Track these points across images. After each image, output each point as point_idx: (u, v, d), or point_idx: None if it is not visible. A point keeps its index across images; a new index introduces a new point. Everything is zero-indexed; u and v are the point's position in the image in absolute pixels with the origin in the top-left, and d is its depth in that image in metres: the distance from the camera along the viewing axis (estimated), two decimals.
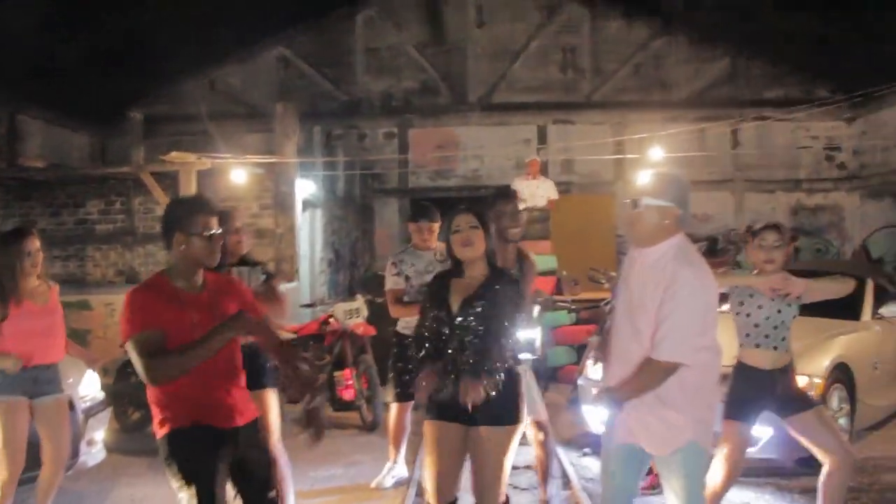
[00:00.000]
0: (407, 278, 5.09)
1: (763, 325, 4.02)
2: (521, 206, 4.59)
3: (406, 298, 5.04)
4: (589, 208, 14.62)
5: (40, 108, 12.16)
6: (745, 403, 4.05)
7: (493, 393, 3.23)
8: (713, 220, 14.18)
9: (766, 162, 14.36)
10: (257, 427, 3.17)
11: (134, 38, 11.95)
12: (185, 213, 3.06)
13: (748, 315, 4.06)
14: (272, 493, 3.12)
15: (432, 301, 3.48)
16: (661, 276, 3.00)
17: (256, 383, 4.04)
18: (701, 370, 3.03)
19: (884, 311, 6.34)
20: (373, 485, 5.39)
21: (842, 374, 5.65)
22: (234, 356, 3.13)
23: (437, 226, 5.15)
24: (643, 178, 3.19)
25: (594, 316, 7.98)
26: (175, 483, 2.92)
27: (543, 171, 14.26)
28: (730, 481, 4.02)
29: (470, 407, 3.20)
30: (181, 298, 3.00)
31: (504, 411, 3.32)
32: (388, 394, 5.45)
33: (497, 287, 3.39)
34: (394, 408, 5.37)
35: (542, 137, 14.46)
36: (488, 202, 4.41)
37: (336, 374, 7.25)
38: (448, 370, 3.37)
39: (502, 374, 3.30)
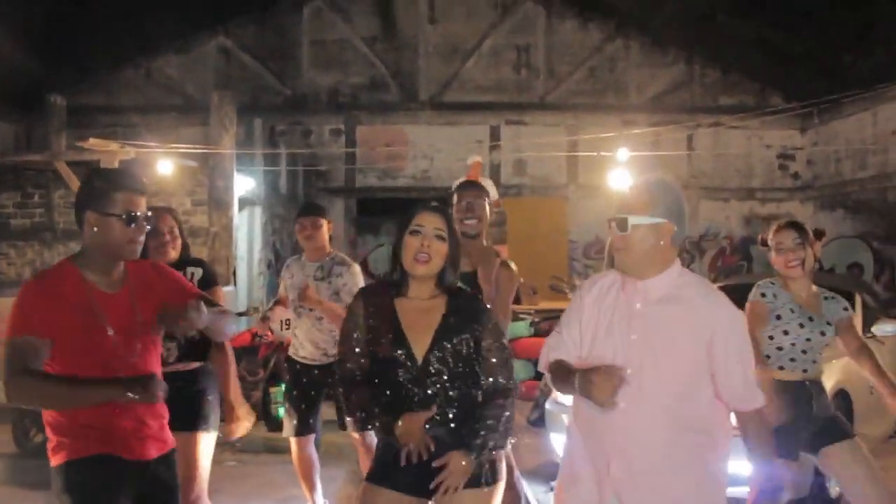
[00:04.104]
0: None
1: (788, 349, 3.59)
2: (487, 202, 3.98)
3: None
4: (541, 212, 14.27)
5: None
6: (782, 431, 3.36)
7: (433, 449, 2.57)
8: None
9: (721, 170, 14.20)
10: (171, 462, 2.66)
11: (67, 22, 11.19)
12: (102, 188, 2.46)
13: (771, 338, 3.62)
14: None
15: (375, 331, 2.69)
16: (692, 316, 2.44)
17: (189, 424, 3.52)
18: None
19: (875, 329, 5.85)
20: None
21: (841, 402, 5.11)
22: None
23: (322, 221, 4.62)
24: (628, 187, 2.58)
25: None
26: None
27: (495, 173, 13.84)
28: None
29: (415, 458, 2.55)
30: (93, 300, 2.43)
31: (480, 470, 2.63)
32: (286, 428, 4.62)
33: (469, 316, 2.69)
34: (293, 443, 4.59)
35: (495, 138, 14.00)
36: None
37: (272, 390, 6.60)
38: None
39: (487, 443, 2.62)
